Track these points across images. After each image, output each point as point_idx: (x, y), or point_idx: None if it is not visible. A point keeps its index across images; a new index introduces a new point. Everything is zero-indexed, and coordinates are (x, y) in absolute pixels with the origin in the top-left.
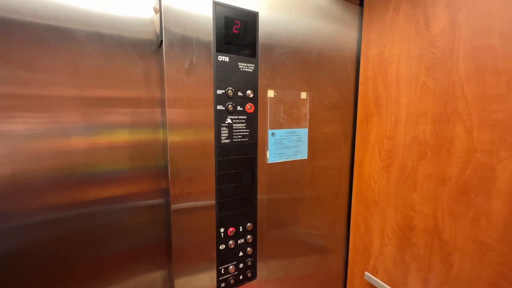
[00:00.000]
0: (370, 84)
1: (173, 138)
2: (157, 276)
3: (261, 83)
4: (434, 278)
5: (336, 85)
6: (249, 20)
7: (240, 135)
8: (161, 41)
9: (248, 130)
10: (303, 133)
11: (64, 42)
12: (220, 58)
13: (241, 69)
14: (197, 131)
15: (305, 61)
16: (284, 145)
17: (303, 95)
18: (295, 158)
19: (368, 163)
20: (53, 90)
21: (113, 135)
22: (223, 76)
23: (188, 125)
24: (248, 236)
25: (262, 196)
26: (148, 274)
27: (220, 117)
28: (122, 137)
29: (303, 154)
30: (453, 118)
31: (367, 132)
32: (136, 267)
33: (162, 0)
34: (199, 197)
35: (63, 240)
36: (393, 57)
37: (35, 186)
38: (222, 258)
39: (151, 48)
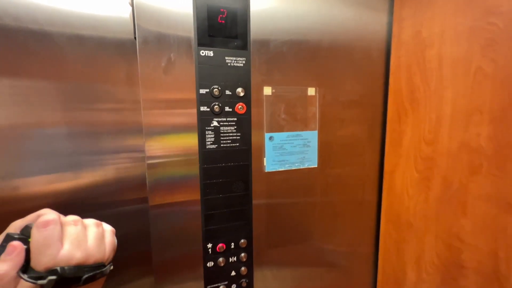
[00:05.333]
0: (404, 74)
1: (151, 143)
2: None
3: (255, 79)
4: None
5: (356, 78)
6: (238, 6)
7: (229, 139)
8: (135, 38)
9: (239, 134)
10: (311, 136)
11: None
12: (202, 53)
13: (229, 64)
14: (178, 136)
15: (313, 51)
16: (286, 151)
17: (311, 91)
18: (302, 166)
19: (401, 174)
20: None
21: (99, 140)
22: (207, 73)
23: (167, 129)
24: (242, 254)
25: (259, 209)
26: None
27: (204, 119)
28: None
29: (311, 162)
30: None
31: (399, 134)
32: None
33: None
34: (182, 208)
35: None
36: (434, 36)
37: None
38: (211, 276)
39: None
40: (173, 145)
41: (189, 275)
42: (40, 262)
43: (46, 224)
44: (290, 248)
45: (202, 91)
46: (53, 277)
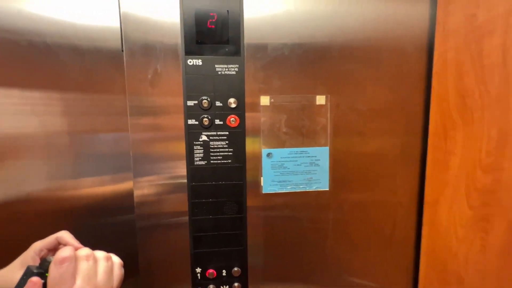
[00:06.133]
0: (451, 73)
1: (138, 157)
2: None
3: (250, 88)
4: None
5: (382, 82)
6: (230, 8)
7: (220, 155)
8: (122, 51)
9: (231, 150)
10: (320, 153)
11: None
12: (190, 62)
13: (219, 73)
14: (165, 151)
15: (322, 52)
16: (288, 170)
17: (320, 99)
18: (308, 189)
19: (447, 208)
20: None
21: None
22: (195, 83)
23: (154, 144)
24: (235, 284)
25: (256, 235)
26: None
27: (192, 133)
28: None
29: (321, 184)
30: None
31: (445, 154)
32: None
33: (121, 3)
34: (170, 228)
35: None
36: (496, 20)
37: None
38: None
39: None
40: (160, 159)
41: None
42: None
43: (63, 261)
44: (293, 286)
45: (190, 103)
46: None
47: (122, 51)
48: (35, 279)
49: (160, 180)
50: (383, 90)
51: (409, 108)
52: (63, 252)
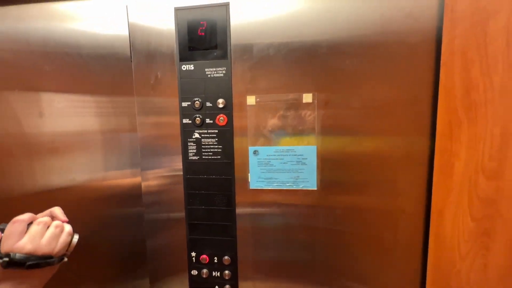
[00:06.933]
0: (458, 64)
1: (144, 152)
2: None
3: (237, 89)
4: None
5: (380, 78)
6: (218, 16)
7: (210, 151)
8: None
9: (220, 146)
10: (307, 152)
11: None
12: (184, 67)
13: (208, 76)
14: (165, 147)
15: (310, 50)
16: (274, 168)
17: (307, 97)
18: (295, 187)
19: (452, 217)
20: None
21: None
22: (188, 86)
23: (157, 142)
24: (226, 271)
25: (245, 228)
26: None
27: (186, 131)
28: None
29: (308, 183)
30: None
31: (450, 156)
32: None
33: (129, 17)
34: (169, 213)
35: None
36: (500, 1)
37: None
38: (195, 285)
39: None
40: (162, 154)
41: (176, 279)
42: (3, 247)
43: (15, 222)
44: (282, 282)
45: (184, 104)
46: (6, 259)
47: (131, 61)
48: None
49: (163, 172)
50: (381, 86)
51: (414, 105)
52: (20, 216)
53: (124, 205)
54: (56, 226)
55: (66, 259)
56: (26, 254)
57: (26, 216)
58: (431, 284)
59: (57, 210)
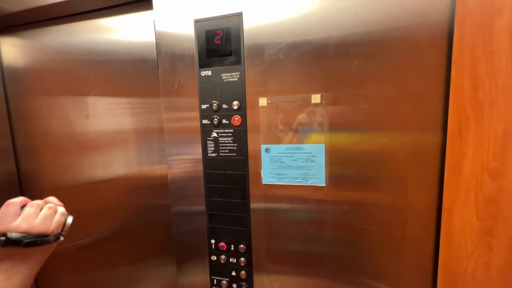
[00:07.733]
0: (467, 61)
1: (170, 149)
2: None
3: (250, 92)
4: None
5: (390, 76)
6: (232, 25)
7: (227, 149)
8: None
9: (235, 144)
10: (316, 150)
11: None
12: (203, 73)
13: (224, 80)
14: (188, 145)
15: (316, 52)
16: (285, 165)
17: (315, 98)
18: (305, 183)
19: (460, 216)
20: None
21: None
22: (207, 90)
23: (181, 140)
24: (242, 258)
25: (258, 219)
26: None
27: (205, 131)
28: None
29: (317, 179)
30: None
31: (459, 155)
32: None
33: (156, 26)
34: (192, 203)
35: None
36: None
37: None
38: (214, 269)
39: None
40: (184, 151)
41: (199, 262)
42: None
43: (8, 204)
44: (293, 272)
45: (203, 106)
46: (3, 238)
47: (158, 69)
48: None
49: (187, 167)
50: (389, 86)
51: (423, 103)
52: (14, 199)
53: (154, 197)
54: (49, 208)
55: (62, 238)
56: (21, 233)
57: (19, 199)
58: (442, 283)
59: (52, 198)
